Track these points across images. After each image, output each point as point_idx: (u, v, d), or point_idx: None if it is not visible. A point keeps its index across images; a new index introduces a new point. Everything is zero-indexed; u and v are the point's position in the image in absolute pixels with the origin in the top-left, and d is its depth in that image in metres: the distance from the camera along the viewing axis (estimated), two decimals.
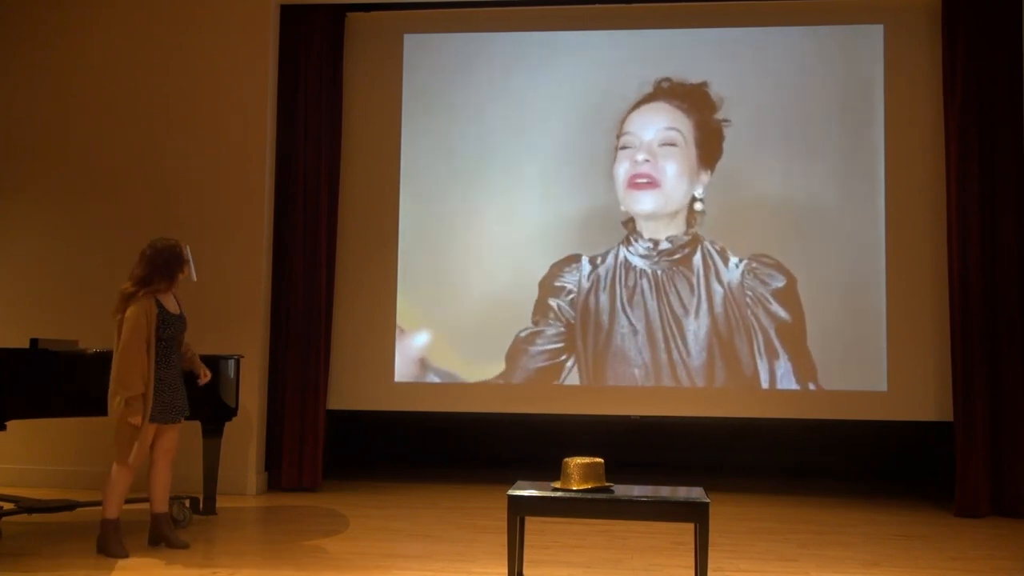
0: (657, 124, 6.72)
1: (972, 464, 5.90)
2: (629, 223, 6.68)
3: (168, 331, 4.57)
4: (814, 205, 6.53)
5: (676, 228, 6.63)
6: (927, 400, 6.31)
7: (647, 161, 6.67)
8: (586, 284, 6.65)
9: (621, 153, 6.73)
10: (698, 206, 6.60)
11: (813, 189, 6.54)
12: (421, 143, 6.87)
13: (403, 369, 6.74)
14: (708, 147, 6.67)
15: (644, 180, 6.65)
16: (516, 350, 6.66)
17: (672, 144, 6.69)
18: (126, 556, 4.44)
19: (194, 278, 4.80)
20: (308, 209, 6.62)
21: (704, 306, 6.52)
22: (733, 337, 6.49)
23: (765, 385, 6.45)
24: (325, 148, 6.67)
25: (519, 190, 6.78)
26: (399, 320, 6.76)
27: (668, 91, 6.73)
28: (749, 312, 6.49)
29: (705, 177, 6.63)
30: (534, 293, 6.68)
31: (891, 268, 6.42)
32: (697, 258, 6.57)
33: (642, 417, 6.60)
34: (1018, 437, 5.91)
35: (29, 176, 6.61)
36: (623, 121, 6.74)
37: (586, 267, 6.67)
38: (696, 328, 6.53)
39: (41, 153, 6.61)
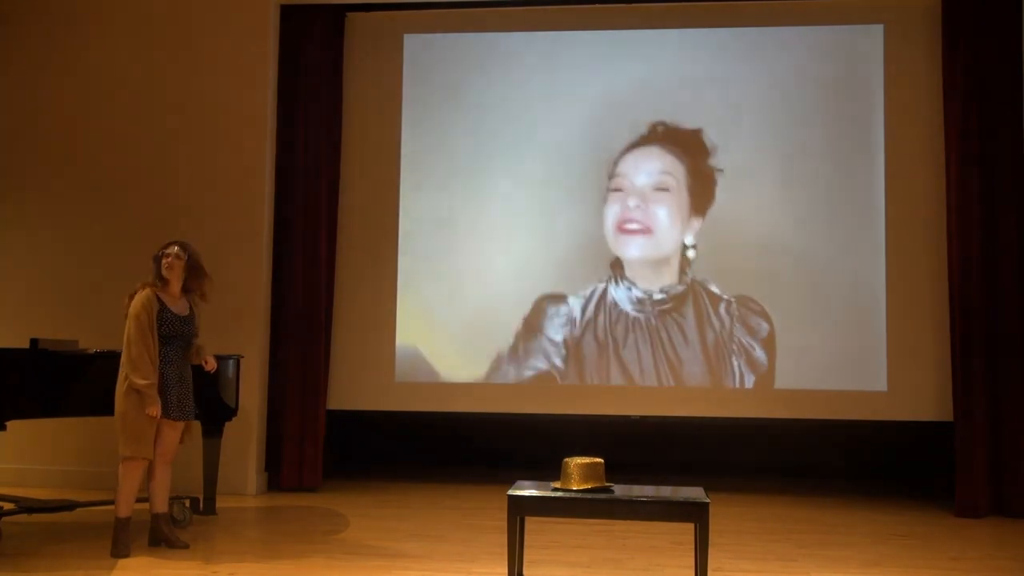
0: (650, 168, 6.67)
1: (972, 464, 5.90)
2: (617, 264, 6.65)
3: (166, 329, 4.56)
4: (814, 204, 6.52)
5: (669, 278, 6.59)
6: (927, 400, 6.31)
7: (638, 207, 6.62)
8: (577, 328, 6.60)
9: (612, 196, 6.69)
10: (691, 253, 6.55)
11: (813, 189, 6.54)
12: (421, 143, 6.87)
13: (403, 369, 6.74)
14: (701, 194, 6.63)
15: (635, 226, 6.60)
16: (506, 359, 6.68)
17: (665, 189, 6.64)
18: (127, 556, 4.45)
19: (171, 273, 4.62)
20: (308, 209, 6.62)
21: (696, 342, 6.50)
22: (728, 340, 6.49)
23: (760, 384, 6.45)
24: (325, 148, 6.67)
25: (519, 190, 6.77)
26: (399, 320, 6.76)
27: (663, 135, 6.67)
28: (731, 319, 6.48)
29: (696, 223, 6.58)
30: (530, 298, 6.68)
31: (891, 268, 6.42)
32: (689, 302, 6.53)
33: (642, 417, 6.60)
34: (1018, 437, 5.91)
35: (29, 176, 6.61)
36: (616, 162, 6.69)
37: (576, 310, 6.62)
38: (690, 344, 6.51)
39: (41, 153, 6.61)
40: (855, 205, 6.50)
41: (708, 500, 3.74)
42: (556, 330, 6.63)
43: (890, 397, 6.36)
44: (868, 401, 6.39)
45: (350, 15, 6.91)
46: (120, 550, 4.46)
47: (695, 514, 3.72)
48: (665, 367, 6.49)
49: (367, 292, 6.81)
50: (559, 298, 6.66)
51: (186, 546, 4.64)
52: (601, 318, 6.57)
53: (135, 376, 4.41)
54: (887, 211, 6.45)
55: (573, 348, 6.61)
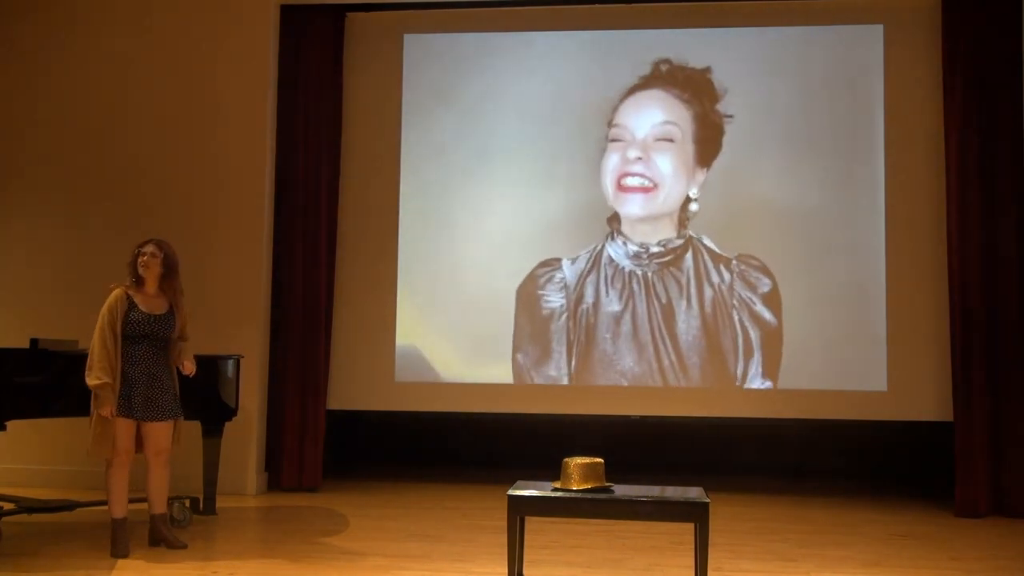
0: (652, 117, 6.65)
1: (972, 464, 5.90)
2: (614, 219, 6.63)
3: (132, 328, 4.50)
4: (814, 205, 6.52)
5: (668, 231, 6.58)
6: (927, 400, 6.31)
7: (639, 159, 6.57)
8: (572, 289, 6.59)
9: (611, 146, 6.65)
10: (693, 207, 6.49)
11: (813, 189, 6.53)
12: (421, 143, 6.87)
13: (403, 369, 6.74)
14: (707, 143, 6.59)
15: (636, 182, 6.55)
16: (513, 354, 6.66)
17: (669, 139, 6.57)
18: (126, 556, 4.45)
19: (147, 272, 4.61)
20: (308, 209, 6.62)
21: (695, 306, 6.47)
22: (725, 338, 6.48)
23: (762, 385, 6.45)
24: (325, 148, 6.67)
25: (519, 189, 6.77)
26: (399, 320, 6.76)
27: (667, 76, 6.65)
28: (737, 313, 6.46)
29: (700, 176, 6.51)
30: (527, 294, 6.68)
31: (891, 268, 6.41)
32: (688, 258, 6.52)
33: (642, 417, 6.60)
34: (1018, 437, 5.91)
35: (29, 177, 6.61)
36: (615, 110, 6.67)
37: (568, 272, 6.60)
38: (686, 330, 6.48)
39: (41, 153, 6.61)
40: (855, 205, 6.49)
41: (708, 500, 3.74)
42: (559, 326, 6.63)
43: (890, 397, 6.36)
44: (868, 401, 6.38)
45: (350, 15, 6.90)
46: (119, 550, 4.46)
47: (695, 514, 3.72)
48: (661, 326, 6.40)
49: (367, 292, 6.80)
50: (558, 293, 6.66)
51: (185, 546, 4.64)
52: (598, 276, 6.51)
53: (88, 376, 4.43)
54: (887, 211, 6.44)
55: (575, 331, 6.58)
